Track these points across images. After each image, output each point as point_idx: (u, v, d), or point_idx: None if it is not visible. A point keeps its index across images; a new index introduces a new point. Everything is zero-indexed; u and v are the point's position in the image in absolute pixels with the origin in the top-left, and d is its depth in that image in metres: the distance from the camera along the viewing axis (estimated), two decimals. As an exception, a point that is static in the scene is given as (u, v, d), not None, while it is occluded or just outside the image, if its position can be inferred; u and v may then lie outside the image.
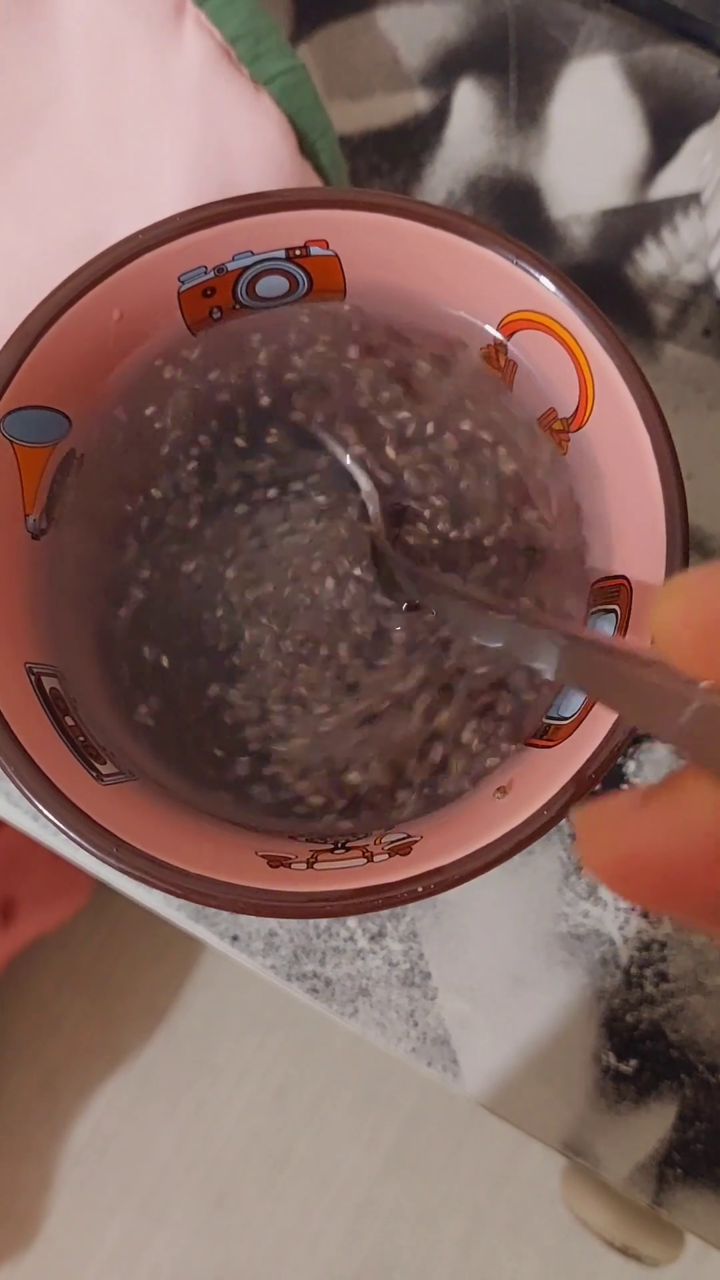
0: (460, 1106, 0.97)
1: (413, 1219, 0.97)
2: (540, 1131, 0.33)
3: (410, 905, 0.33)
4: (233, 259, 0.26)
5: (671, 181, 0.38)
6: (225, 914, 0.33)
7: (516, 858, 0.33)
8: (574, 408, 0.26)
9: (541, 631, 0.19)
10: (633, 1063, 0.33)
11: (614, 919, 0.33)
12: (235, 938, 0.33)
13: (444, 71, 0.39)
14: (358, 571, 0.27)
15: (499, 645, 0.21)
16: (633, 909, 0.33)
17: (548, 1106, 0.33)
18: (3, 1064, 1.00)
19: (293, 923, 0.33)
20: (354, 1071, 0.99)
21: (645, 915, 0.33)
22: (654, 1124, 0.33)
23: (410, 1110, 0.98)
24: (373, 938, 0.33)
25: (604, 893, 0.33)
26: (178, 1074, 1.00)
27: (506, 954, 0.33)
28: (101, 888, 0.91)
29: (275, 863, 0.23)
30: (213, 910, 0.33)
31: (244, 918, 0.33)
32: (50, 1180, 0.99)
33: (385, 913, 0.33)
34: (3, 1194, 0.99)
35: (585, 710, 0.24)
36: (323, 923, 0.33)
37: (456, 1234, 0.96)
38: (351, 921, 0.33)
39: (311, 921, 0.33)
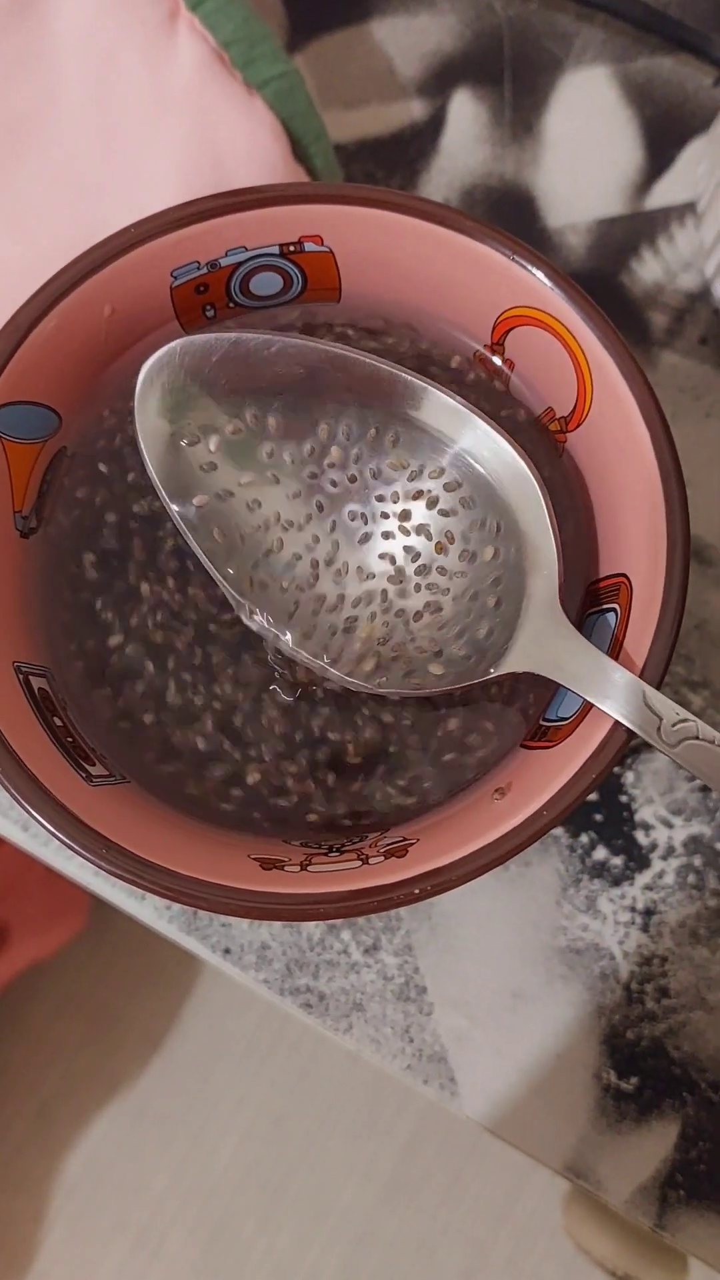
0: (459, 1136, 0.96)
1: (411, 1251, 0.95)
2: (541, 1153, 0.32)
3: (405, 918, 0.33)
4: (226, 254, 0.26)
5: (667, 191, 0.38)
6: (217, 927, 0.33)
7: (513, 869, 0.33)
8: (572, 406, 0.26)
9: None
10: (634, 1081, 0.32)
11: (614, 933, 0.33)
12: (227, 950, 0.32)
13: (439, 82, 0.39)
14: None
15: None
16: (632, 922, 0.33)
17: (548, 1126, 0.32)
18: (-1, 1092, 0.99)
19: (285, 936, 0.33)
20: (351, 1100, 0.98)
21: (645, 929, 0.33)
22: (656, 1144, 0.32)
23: (408, 1139, 0.97)
24: (367, 951, 0.32)
25: (603, 906, 0.33)
26: (174, 1102, 0.99)
27: (504, 968, 0.33)
28: (97, 913, 0.90)
29: (268, 865, 0.23)
30: (204, 923, 0.33)
31: (236, 930, 0.32)
32: (44, 1211, 0.98)
33: (380, 925, 0.32)
34: (-4, 1226, 0.97)
35: (584, 711, 0.24)
36: (316, 935, 0.32)
37: (456, 1267, 0.94)
38: (345, 934, 0.33)
39: (304, 934, 0.32)
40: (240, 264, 0.26)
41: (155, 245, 0.25)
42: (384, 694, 0.25)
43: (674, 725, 0.22)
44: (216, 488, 0.25)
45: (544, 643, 0.24)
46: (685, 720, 0.22)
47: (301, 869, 0.23)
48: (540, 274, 0.24)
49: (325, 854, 0.24)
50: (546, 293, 0.25)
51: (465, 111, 0.38)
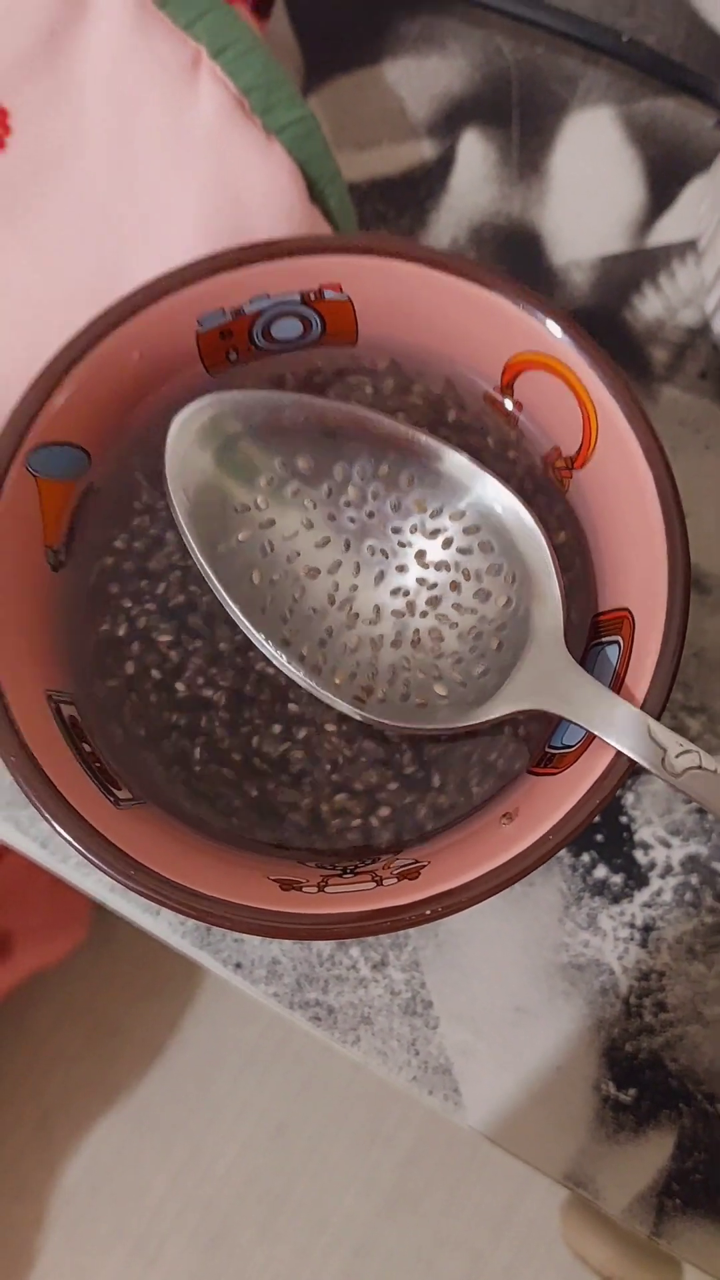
0: (459, 1147, 0.97)
1: (411, 1261, 0.96)
2: (542, 1162, 0.33)
3: (413, 935, 0.34)
4: (250, 302, 0.27)
5: (669, 229, 0.39)
6: (229, 942, 0.34)
7: (518, 888, 0.34)
8: (578, 446, 0.27)
9: None
10: (632, 1092, 0.33)
11: (613, 949, 0.34)
12: (238, 965, 0.34)
13: (449, 123, 0.40)
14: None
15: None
16: (631, 938, 0.34)
17: (549, 1136, 0.33)
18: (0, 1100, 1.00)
19: (296, 951, 0.34)
20: (352, 1111, 0.99)
21: (644, 945, 0.34)
22: (653, 1154, 0.33)
23: (408, 1150, 0.98)
24: (375, 966, 0.34)
25: (603, 923, 0.34)
26: (174, 1112, 1.00)
27: (508, 984, 0.34)
28: (99, 924, 0.91)
29: (286, 886, 0.24)
30: (217, 938, 0.34)
31: (247, 946, 0.34)
32: (43, 1219, 0.98)
33: (387, 942, 0.34)
34: (-4, 1233, 0.98)
35: (588, 739, 0.25)
36: (325, 951, 0.34)
37: (455, 1277, 0.95)
38: (354, 950, 0.34)
39: (314, 950, 0.34)
40: (263, 311, 0.27)
41: (183, 294, 0.26)
42: (405, 730, 0.26)
43: (677, 756, 0.23)
44: (242, 534, 0.27)
45: (552, 681, 0.25)
46: (688, 751, 0.23)
47: (319, 890, 0.24)
48: (550, 322, 0.26)
49: (340, 875, 0.25)
50: (553, 340, 0.26)
51: (474, 151, 0.40)
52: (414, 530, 0.27)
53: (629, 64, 0.39)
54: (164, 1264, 0.96)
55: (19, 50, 0.33)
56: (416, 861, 0.25)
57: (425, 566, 0.27)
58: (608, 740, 0.24)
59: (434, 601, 0.27)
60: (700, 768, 0.23)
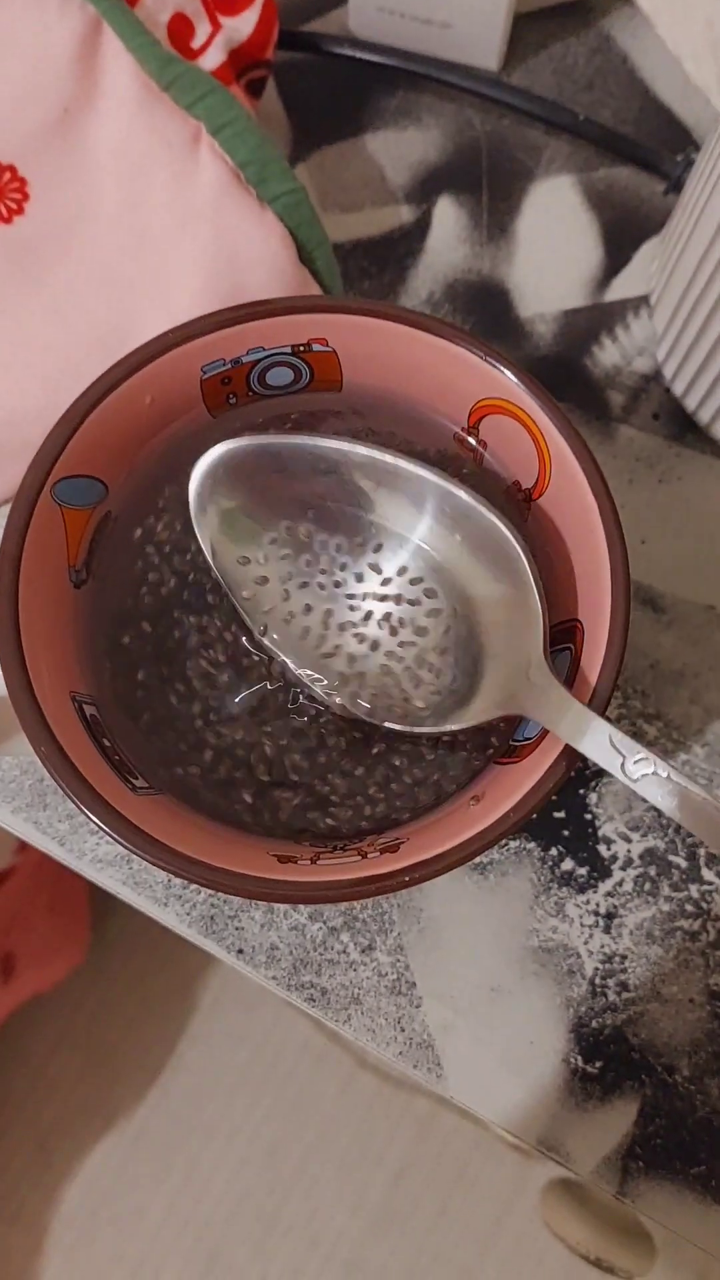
0: (446, 1164, 0.98)
1: (402, 1277, 0.97)
2: (519, 1129, 0.36)
3: (398, 921, 0.37)
4: (247, 353, 0.31)
5: (624, 286, 0.42)
6: (232, 930, 0.37)
7: (492, 878, 0.37)
8: (534, 479, 0.31)
9: None
10: (598, 1064, 0.36)
11: (579, 934, 0.37)
12: (240, 951, 0.37)
13: (424, 189, 0.43)
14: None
15: None
16: (595, 924, 0.37)
17: (523, 1105, 0.36)
18: (-1, 1125, 1.01)
19: (292, 938, 0.37)
20: (341, 1130, 1.00)
21: (607, 930, 0.37)
22: (618, 1120, 0.36)
23: (397, 1168, 0.99)
24: (364, 950, 0.37)
25: (570, 910, 0.37)
26: (170, 1134, 1.00)
27: (484, 965, 0.36)
28: (95, 948, 0.92)
29: (284, 859, 0.27)
30: (220, 926, 0.37)
31: (248, 933, 0.37)
32: (42, 1243, 0.99)
33: (375, 928, 0.37)
34: (-5, 1257, 0.99)
35: (543, 734, 0.28)
36: (319, 937, 0.37)
37: (444, 1293, 0.96)
38: (345, 936, 0.37)
39: (308, 936, 0.37)
40: (259, 360, 0.31)
41: (189, 346, 0.30)
42: (396, 729, 0.30)
43: (635, 762, 0.26)
44: (255, 576, 0.31)
45: (527, 687, 0.28)
46: (644, 757, 0.26)
47: (312, 863, 0.27)
48: (508, 372, 0.29)
49: (331, 852, 0.29)
50: (512, 387, 0.29)
51: (448, 215, 0.43)
52: (367, 597, 0.31)
53: (586, 138, 0.43)
54: (162, 1285, 0.97)
55: (37, 125, 0.35)
56: (397, 839, 0.28)
57: (388, 615, 0.31)
58: (577, 748, 0.27)
59: (414, 627, 0.31)
60: (654, 774, 0.26)
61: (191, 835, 0.27)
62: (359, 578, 0.31)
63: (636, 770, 0.26)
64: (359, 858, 0.28)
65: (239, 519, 0.30)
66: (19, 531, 0.28)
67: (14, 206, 0.36)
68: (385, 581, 0.31)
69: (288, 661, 0.30)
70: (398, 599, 0.31)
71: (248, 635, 0.31)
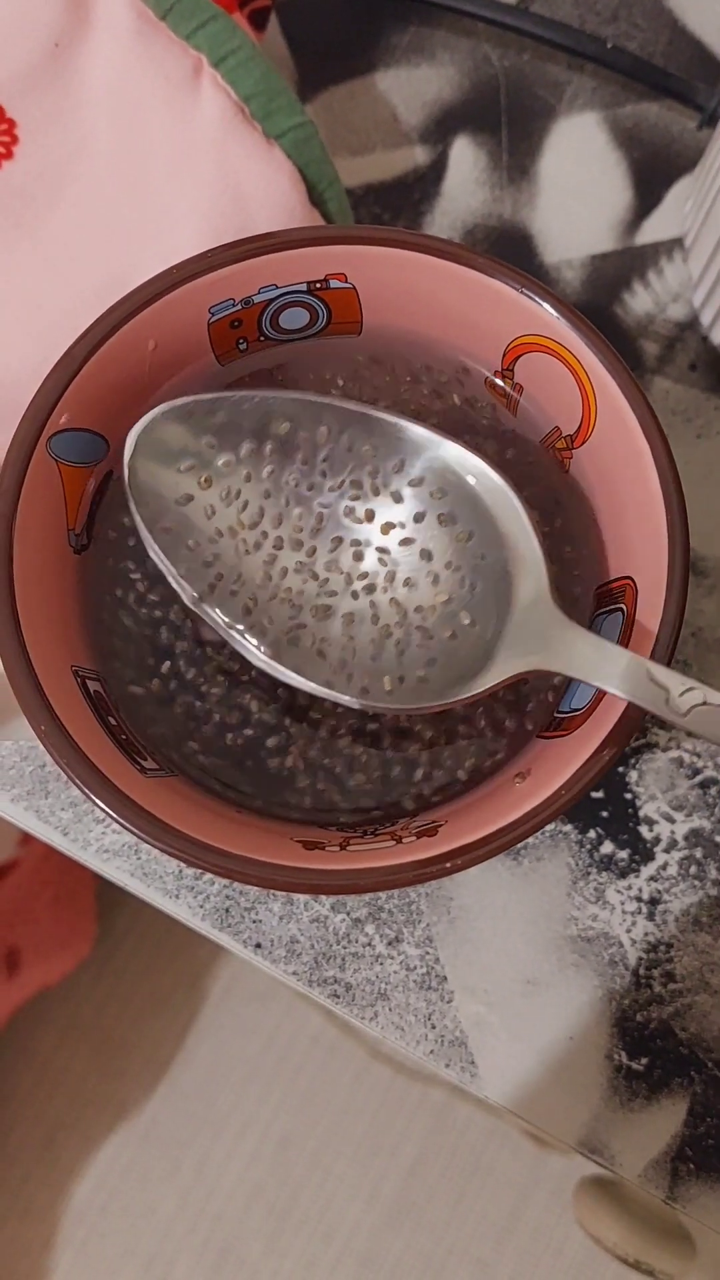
0: (461, 1157, 0.97)
1: (417, 1271, 0.96)
2: (559, 1130, 0.34)
3: (426, 911, 0.34)
4: (258, 291, 0.28)
5: (656, 228, 0.40)
6: (249, 923, 0.34)
7: (525, 863, 0.35)
8: (577, 425, 0.28)
9: None
10: (644, 1061, 0.34)
11: (621, 922, 0.35)
12: (258, 945, 0.34)
13: (440, 129, 0.41)
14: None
15: None
16: (639, 911, 0.35)
17: (563, 1105, 0.34)
18: (6, 1121, 0.99)
19: (313, 930, 0.34)
20: (355, 1122, 0.99)
21: (651, 918, 0.35)
22: (666, 1120, 0.34)
23: (412, 1161, 0.98)
24: (390, 943, 0.34)
25: (611, 896, 0.35)
26: (180, 1128, 1.00)
27: (519, 957, 0.35)
28: (102, 942, 0.91)
29: (310, 846, 0.25)
30: (236, 919, 0.34)
31: (266, 925, 0.34)
32: (52, 1239, 0.98)
33: (401, 919, 0.34)
34: (5, 1254, 0.97)
35: (596, 701, 0.26)
36: (341, 929, 0.34)
37: (461, 1286, 0.95)
38: (370, 928, 0.34)
39: (330, 929, 0.34)
40: (271, 300, 0.28)
41: (195, 284, 0.27)
42: (401, 711, 0.26)
43: (681, 694, 0.23)
44: (210, 530, 0.27)
45: (547, 641, 0.25)
46: (691, 688, 0.23)
47: (341, 849, 0.25)
48: (547, 305, 0.27)
49: (361, 837, 0.26)
50: (553, 322, 0.27)
51: (465, 157, 0.41)
52: (376, 493, 0.28)
53: (613, 69, 0.41)
54: (174, 1280, 0.96)
55: (24, 63, 0.34)
56: (434, 822, 0.26)
57: (389, 544, 0.27)
58: (609, 689, 0.24)
59: (405, 581, 0.27)
60: (705, 704, 0.23)
61: (207, 820, 0.25)
62: (349, 512, 0.28)
63: (685, 702, 0.23)
64: (393, 843, 0.25)
65: (190, 454, 0.27)
66: (13, 489, 0.26)
67: (2, 150, 0.35)
68: (386, 526, 0.28)
69: (289, 671, 0.26)
70: (398, 541, 0.27)
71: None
